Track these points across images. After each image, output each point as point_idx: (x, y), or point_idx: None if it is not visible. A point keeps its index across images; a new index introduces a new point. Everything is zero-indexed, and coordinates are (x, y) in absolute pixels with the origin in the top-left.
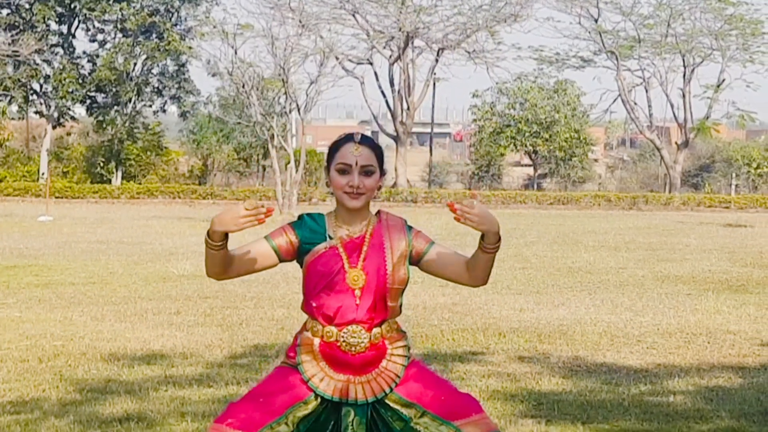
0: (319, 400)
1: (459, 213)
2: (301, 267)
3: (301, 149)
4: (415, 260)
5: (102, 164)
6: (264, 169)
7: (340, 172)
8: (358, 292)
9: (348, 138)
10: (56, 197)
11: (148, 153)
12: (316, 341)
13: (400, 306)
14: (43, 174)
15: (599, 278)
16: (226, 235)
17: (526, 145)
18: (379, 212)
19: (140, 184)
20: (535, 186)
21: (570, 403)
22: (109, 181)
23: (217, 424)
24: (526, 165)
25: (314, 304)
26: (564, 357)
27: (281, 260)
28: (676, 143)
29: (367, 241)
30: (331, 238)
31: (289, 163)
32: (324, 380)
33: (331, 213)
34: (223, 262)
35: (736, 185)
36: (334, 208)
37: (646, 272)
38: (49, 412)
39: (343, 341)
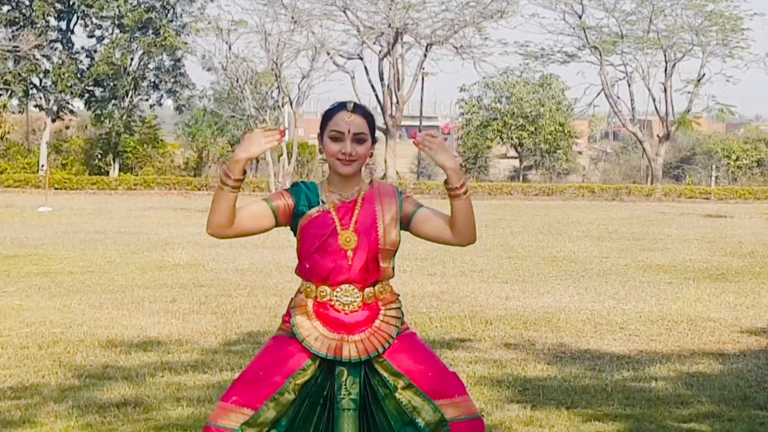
0: (317, 363)
1: (419, 139)
2: (295, 233)
3: (293, 142)
4: (405, 223)
5: (100, 156)
6: (257, 161)
7: (333, 140)
8: (350, 253)
9: (341, 106)
10: (55, 188)
11: (145, 145)
12: (310, 302)
13: (393, 269)
14: (42, 166)
15: (583, 267)
16: (244, 173)
17: (512, 138)
18: (371, 180)
19: (137, 175)
20: (521, 177)
21: (555, 389)
22: (107, 173)
23: (222, 402)
24: (512, 157)
25: (308, 266)
26: (549, 344)
27: (278, 223)
28: (657, 136)
29: (359, 204)
30: (323, 202)
31: (281, 155)
32: (318, 339)
33: (323, 181)
34: (232, 208)
35: (716, 177)
36: (327, 176)
37: (628, 261)
38: (49, 397)
39: (337, 300)
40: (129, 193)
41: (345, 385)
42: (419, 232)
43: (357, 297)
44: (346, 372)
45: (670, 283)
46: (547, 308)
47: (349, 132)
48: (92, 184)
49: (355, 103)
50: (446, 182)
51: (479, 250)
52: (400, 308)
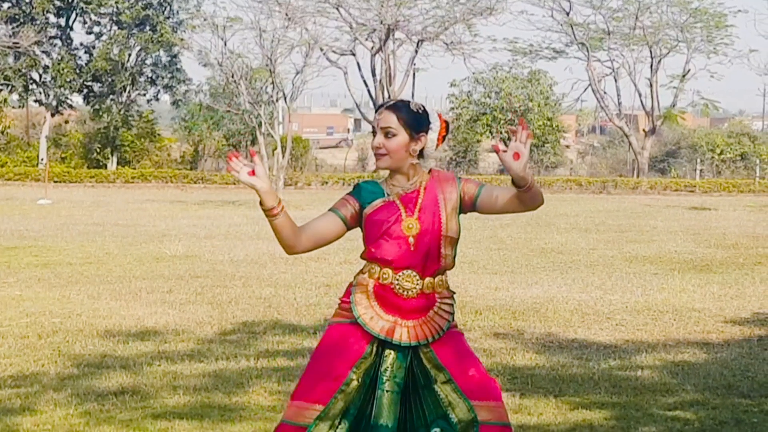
0: (374, 348)
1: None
2: (361, 224)
3: (287, 136)
4: (469, 204)
5: (98, 150)
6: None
7: (373, 136)
8: (412, 239)
9: (382, 104)
10: (55, 182)
11: (142, 139)
12: (371, 282)
13: (454, 258)
14: (42, 159)
15: (571, 258)
16: (279, 202)
17: (501, 132)
18: (431, 170)
19: (134, 169)
20: None
21: (543, 377)
22: (105, 167)
23: (294, 401)
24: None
25: (374, 249)
26: (537, 333)
27: (348, 228)
28: (643, 130)
29: (422, 194)
30: (388, 195)
31: (276, 149)
32: (373, 319)
33: (387, 178)
34: (288, 233)
35: (701, 170)
36: (389, 173)
37: (615, 253)
38: (48, 385)
39: (398, 284)
40: (127, 186)
41: (391, 368)
42: (487, 208)
43: (417, 284)
44: (393, 355)
45: (656, 274)
46: (535, 299)
47: (377, 126)
48: (91, 178)
49: (397, 101)
50: (513, 184)
51: (469, 242)
52: (453, 305)
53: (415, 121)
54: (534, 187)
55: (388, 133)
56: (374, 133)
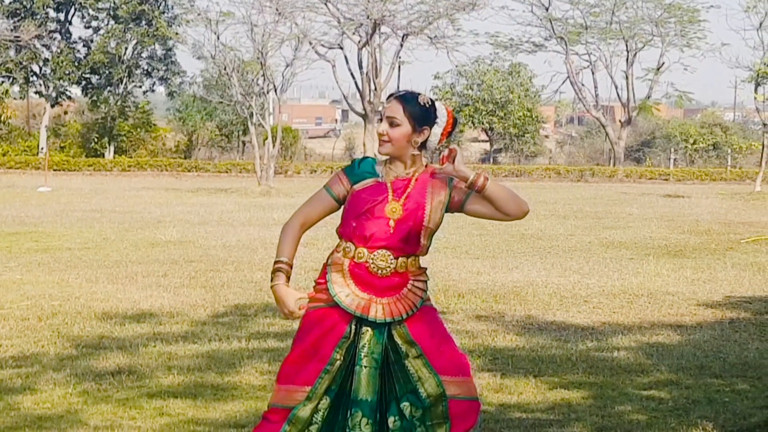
0: (353, 327)
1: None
2: (346, 197)
3: (277, 126)
4: (457, 206)
5: (96, 140)
6: (244, 145)
7: (380, 122)
8: (392, 222)
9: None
10: (54, 170)
11: (138, 129)
12: (347, 262)
13: (428, 248)
14: (42, 149)
15: (550, 244)
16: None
17: (483, 123)
18: (427, 165)
19: (131, 158)
20: (492, 160)
21: (523, 358)
22: (103, 155)
23: (281, 385)
24: (483, 141)
25: (354, 224)
26: (517, 316)
27: (340, 205)
28: (619, 121)
29: (413, 183)
30: (382, 177)
31: (266, 139)
32: (349, 296)
33: (386, 162)
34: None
35: (675, 159)
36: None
37: (592, 239)
38: (48, 366)
39: (372, 263)
40: (123, 174)
41: (369, 344)
42: (474, 212)
43: (391, 263)
44: (370, 332)
45: (632, 259)
46: (515, 283)
47: (383, 115)
48: (89, 166)
49: (404, 92)
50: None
51: (452, 228)
52: (426, 282)
53: (421, 114)
54: (487, 185)
55: (392, 123)
56: (381, 120)
